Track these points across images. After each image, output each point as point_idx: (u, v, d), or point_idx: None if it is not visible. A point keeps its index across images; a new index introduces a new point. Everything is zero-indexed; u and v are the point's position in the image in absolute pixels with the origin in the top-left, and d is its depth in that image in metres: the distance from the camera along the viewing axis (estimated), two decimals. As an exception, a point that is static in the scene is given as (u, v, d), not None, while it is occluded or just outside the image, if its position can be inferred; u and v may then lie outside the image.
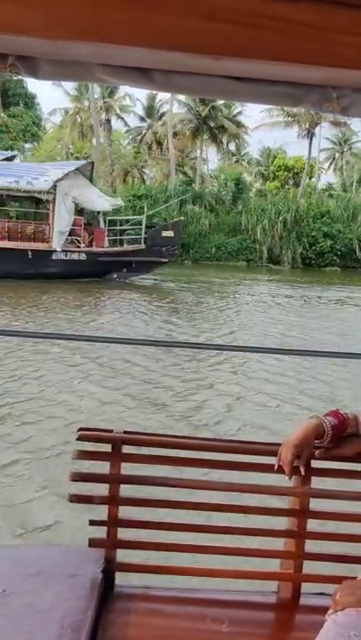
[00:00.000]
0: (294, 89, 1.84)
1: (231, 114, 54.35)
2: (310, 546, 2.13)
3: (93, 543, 2.09)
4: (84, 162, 30.11)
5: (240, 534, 2.14)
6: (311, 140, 53.95)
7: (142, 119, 59.18)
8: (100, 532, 2.09)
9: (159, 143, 57.14)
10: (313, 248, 42.21)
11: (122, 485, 2.06)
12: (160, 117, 58.83)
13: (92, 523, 2.09)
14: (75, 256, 25.04)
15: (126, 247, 26.69)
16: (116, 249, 26.63)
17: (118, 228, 28.38)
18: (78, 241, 25.70)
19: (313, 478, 2.05)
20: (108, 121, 54.66)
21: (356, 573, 1.84)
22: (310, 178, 52.68)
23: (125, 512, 2.09)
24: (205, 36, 1.52)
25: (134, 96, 55.24)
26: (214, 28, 1.53)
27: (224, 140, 56.16)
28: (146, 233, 26.53)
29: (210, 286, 27.82)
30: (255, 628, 2.01)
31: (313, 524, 2.12)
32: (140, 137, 58.03)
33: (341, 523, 2.16)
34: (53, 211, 24.57)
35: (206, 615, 1.97)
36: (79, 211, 26.18)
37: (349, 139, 57.22)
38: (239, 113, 55.07)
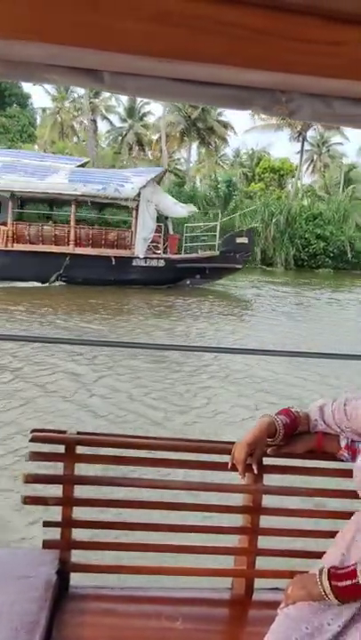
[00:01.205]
0: (243, 92, 1.86)
1: (220, 115, 54.46)
2: (264, 542, 2.16)
3: (47, 544, 2.08)
4: (160, 169, 30.32)
5: (194, 532, 2.16)
6: (303, 142, 54.48)
7: (123, 120, 58.68)
8: (56, 534, 2.08)
9: (140, 144, 56.77)
10: (306, 250, 42.15)
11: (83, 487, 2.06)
12: (141, 118, 58.53)
13: (46, 524, 2.09)
14: (154, 262, 24.98)
15: (202, 254, 26.61)
16: (192, 255, 26.62)
17: (190, 234, 28.59)
18: (156, 247, 25.71)
19: (265, 476, 2.08)
20: (94, 121, 53.98)
21: (308, 567, 1.88)
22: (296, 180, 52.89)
23: (83, 513, 2.09)
24: (153, 38, 1.53)
25: (119, 96, 54.60)
26: (162, 31, 1.54)
27: (212, 142, 56.14)
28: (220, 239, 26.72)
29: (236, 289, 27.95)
30: (209, 625, 2.03)
31: (266, 521, 2.16)
32: (120, 138, 57.52)
33: (294, 518, 2.19)
34: (136, 217, 24.57)
35: (161, 613, 1.98)
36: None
37: (327, 141, 57.83)
38: (220, 114, 55.06)
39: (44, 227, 25.25)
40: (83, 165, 28.17)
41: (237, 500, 2.19)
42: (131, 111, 57.67)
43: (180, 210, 26.70)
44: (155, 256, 25.14)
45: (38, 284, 23.13)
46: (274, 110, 1.91)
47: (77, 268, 23.58)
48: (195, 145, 55.48)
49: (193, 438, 2.26)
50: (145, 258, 24.56)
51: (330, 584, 1.67)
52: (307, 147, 56.96)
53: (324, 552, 1.88)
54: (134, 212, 24.56)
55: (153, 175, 25.80)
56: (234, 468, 1.98)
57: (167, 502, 2.13)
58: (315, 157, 56.17)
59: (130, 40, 1.48)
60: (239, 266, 26.57)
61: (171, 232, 27.12)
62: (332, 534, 1.95)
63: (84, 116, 53.64)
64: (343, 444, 2.01)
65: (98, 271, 23.58)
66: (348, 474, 1.91)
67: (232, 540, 2.22)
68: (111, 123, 59.10)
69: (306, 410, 2.06)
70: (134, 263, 24.50)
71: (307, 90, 1.86)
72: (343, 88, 1.82)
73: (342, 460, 2.02)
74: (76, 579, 2.12)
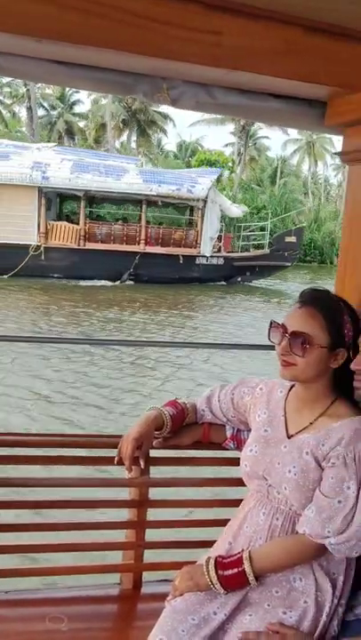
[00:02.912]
0: (126, 77, 1.83)
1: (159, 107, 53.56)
2: (153, 535, 2.15)
3: None
4: (218, 170, 31.12)
5: (81, 529, 2.11)
6: (247, 136, 54.63)
7: (52, 107, 56.12)
8: None
9: (70, 132, 54.71)
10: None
11: None
12: (71, 106, 56.47)
13: None
14: (214, 261, 25.76)
15: (254, 252, 27.63)
16: (248, 254, 27.69)
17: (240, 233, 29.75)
18: (213, 246, 26.35)
19: (152, 468, 2.06)
20: (30, 109, 51.15)
21: (195, 557, 1.88)
22: (231, 173, 52.61)
23: None
24: (29, 17, 1.46)
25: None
26: (39, 10, 1.48)
27: (152, 134, 55.24)
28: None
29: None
30: (97, 623, 1.99)
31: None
32: (50, 125, 55.07)
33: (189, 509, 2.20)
34: (202, 217, 25.27)
35: (45, 615, 1.92)
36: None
37: (254, 134, 58.40)
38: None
39: (115, 226, 25.79)
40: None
41: (124, 495, 2.16)
42: (61, 99, 55.75)
43: (235, 210, 27.79)
44: (216, 255, 26.11)
45: (108, 283, 23.51)
46: (155, 97, 1.89)
47: (146, 266, 23.90)
48: (133, 136, 54.57)
49: (82, 434, 2.21)
50: (209, 256, 25.54)
51: (216, 573, 1.69)
52: (234, 139, 57.75)
53: (214, 541, 1.89)
54: (200, 212, 25.46)
55: (215, 176, 27.26)
56: (121, 463, 1.94)
57: (54, 501, 2.06)
58: (242, 150, 56.82)
59: (5, 18, 1.42)
60: (288, 264, 27.69)
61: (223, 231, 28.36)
62: (221, 523, 1.96)
63: (17, 104, 51.04)
64: (229, 434, 2.03)
65: (164, 269, 24.00)
66: (234, 462, 1.93)
67: (122, 536, 2.19)
68: (48, 111, 56.83)
69: (193, 400, 2.06)
70: (197, 261, 25.45)
71: (189, 78, 1.85)
72: (225, 77, 1.82)
73: (228, 449, 2.04)
74: None
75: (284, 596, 1.68)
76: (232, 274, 26.67)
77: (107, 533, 2.18)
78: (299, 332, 1.68)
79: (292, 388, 1.86)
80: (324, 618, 1.67)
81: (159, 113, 53.89)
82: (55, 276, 23.59)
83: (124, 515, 2.16)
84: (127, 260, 24.12)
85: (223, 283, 26.22)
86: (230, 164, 50.06)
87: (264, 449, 1.80)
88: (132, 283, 24.19)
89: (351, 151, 2.06)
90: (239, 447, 1.97)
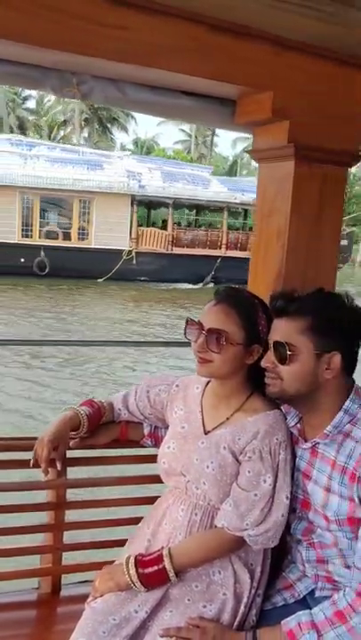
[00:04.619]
0: (34, 71, 1.78)
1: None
2: (72, 537, 2.12)
3: None
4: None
5: None
6: (213, 133, 53.85)
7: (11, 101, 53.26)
8: None
9: (22, 128, 52.11)
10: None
11: None
12: (24, 100, 53.81)
13: None
14: None
15: None
16: None
17: None
18: None
19: (69, 469, 2.03)
20: None
21: (116, 557, 1.87)
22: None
23: None
24: None
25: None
26: None
27: (113, 131, 53.70)
28: None
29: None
30: (15, 630, 1.95)
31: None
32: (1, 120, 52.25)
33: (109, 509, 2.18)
34: None
35: None
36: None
37: (204, 132, 57.67)
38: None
39: (199, 231, 27.68)
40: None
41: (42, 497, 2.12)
42: (17, 94, 53.26)
43: None
44: None
45: (190, 286, 24.27)
46: (65, 92, 1.85)
47: (226, 269, 24.34)
48: (86, 133, 52.95)
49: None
50: None
51: (137, 572, 1.68)
52: (185, 137, 57.27)
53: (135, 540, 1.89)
54: None
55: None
56: (37, 466, 1.90)
57: None
58: (191, 147, 56.34)
59: None
60: (341, 265, 28.39)
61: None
62: (140, 521, 1.96)
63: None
64: (146, 431, 2.03)
65: (241, 272, 23.71)
66: (152, 460, 1.93)
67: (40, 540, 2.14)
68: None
69: (110, 399, 2.04)
70: None
71: (98, 73, 1.83)
72: (134, 73, 1.81)
73: (146, 447, 2.04)
74: None
75: (204, 590, 1.70)
76: None
77: (24, 538, 2.13)
78: (215, 329, 1.69)
79: (208, 384, 1.88)
80: (242, 608, 1.70)
81: (122, 110, 53.05)
82: (142, 279, 24.69)
83: (44, 518, 2.12)
84: (209, 263, 25.44)
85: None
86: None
87: (182, 445, 1.81)
88: (212, 285, 24.72)
89: (260, 149, 2.09)
90: (157, 444, 1.98)
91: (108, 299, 21.11)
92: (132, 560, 1.71)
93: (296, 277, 1.96)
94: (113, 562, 1.83)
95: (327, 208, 2.02)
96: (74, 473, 2.07)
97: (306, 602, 1.76)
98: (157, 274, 24.58)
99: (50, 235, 24.50)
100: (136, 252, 24.90)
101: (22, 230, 23.89)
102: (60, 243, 24.28)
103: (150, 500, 1.99)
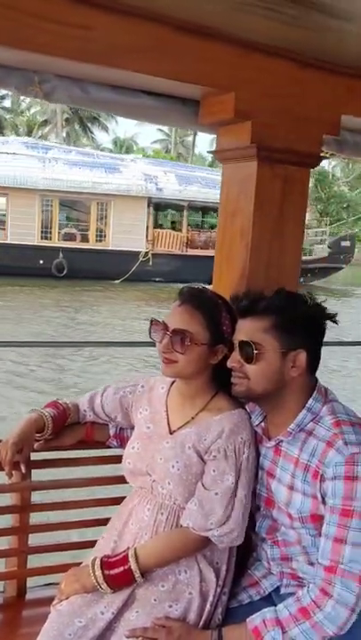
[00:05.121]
0: None
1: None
2: (38, 539, 2.10)
3: None
4: None
5: None
6: (196, 134, 53.31)
7: None
8: None
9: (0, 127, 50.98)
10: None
11: None
12: (1, 99, 52.59)
13: None
14: None
15: (318, 255, 29.43)
16: (314, 257, 29.21)
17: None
18: None
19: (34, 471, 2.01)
20: None
21: (82, 559, 1.87)
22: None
23: None
24: None
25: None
26: None
27: (93, 131, 52.94)
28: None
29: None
30: None
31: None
32: None
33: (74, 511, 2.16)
34: None
35: None
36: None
37: (182, 131, 57.16)
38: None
39: (212, 233, 26.82)
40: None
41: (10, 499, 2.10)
42: None
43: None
44: None
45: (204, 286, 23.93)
46: (28, 91, 1.84)
47: None
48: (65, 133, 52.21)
49: None
50: None
51: (102, 573, 1.68)
52: (163, 136, 56.87)
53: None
54: None
55: None
56: (0, 468, 1.88)
57: None
58: (169, 147, 55.94)
59: None
60: (344, 266, 30.12)
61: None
62: (105, 522, 1.95)
63: None
64: (112, 432, 2.02)
65: None
66: (118, 460, 1.92)
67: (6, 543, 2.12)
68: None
69: (76, 401, 2.03)
70: None
71: (61, 72, 1.82)
72: (97, 73, 1.80)
73: (112, 448, 2.03)
74: None
75: (170, 590, 1.70)
76: (300, 275, 28.69)
77: None
78: (179, 329, 1.70)
79: (173, 384, 1.88)
80: (208, 607, 1.71)
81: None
82: (157, 280, 24.84)
83: (9, 520, 2.09)
84: None
85: (293, 284, 28.81)
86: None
87: (146, 445, 1.81)
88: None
89: (224, 150, 2.11)
90: (123, 445, 1.97)
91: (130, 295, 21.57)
92: (97, 561, 1.71)
93: (259, 276, 1.98)
94: (80, 564, 1.83)
95: (290, 208, 2.04)
96: (41, 475, 2.06)
97: (271, 599, 1.77)
98: (173, 275, 24.53)
99: (68, 237, 24.98)
100: (152, 254, 25.40)
101: (41, 232, 24.38)
102: (77, 244, 24.83)
103: (117, 501, 1.98)
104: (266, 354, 1.63)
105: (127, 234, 24.85)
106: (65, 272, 23.56)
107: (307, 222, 31.33)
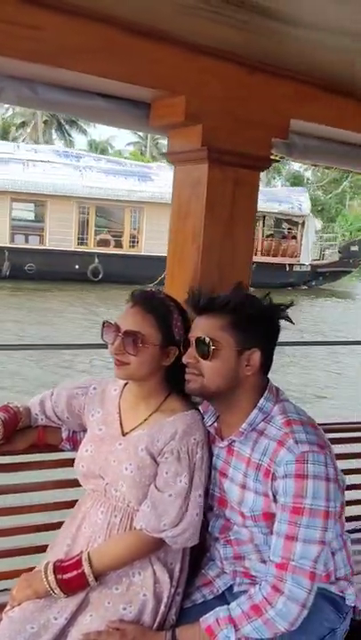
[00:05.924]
0: None
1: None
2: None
3: None
4: (304, 189, 34.17)
5: None
6: (149, 136, 52.33)
7: None
8: None
9: None
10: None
11: None
12: None
13: None
14: (305, 268, 28.92)
15: (330, 260, 30.96)
16: (326, 261, 30.88)
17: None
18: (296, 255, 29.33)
19: None
20: None
21: (34, 564, 1.84)
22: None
23: None
24: None
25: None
26: None
27: (71, 134, 51.83)
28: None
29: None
30: None
31: None
32: None
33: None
34: (305, 230, 28.71)
35: None
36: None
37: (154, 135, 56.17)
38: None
39: None
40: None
41: None
42: None
43: (316, 222, 31.53)
44: (308, 262, 29.42)
45: None
46: None
47: (257, 273, 23.89)
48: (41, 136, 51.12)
49: None
50: (301, 264, 28.83)
51: (55, 578, 1.66)
52: (137, 139, 56.24)
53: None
54: (299, 226, 29.12)
55: (306, 194, 30.83)
56: None
57: None
58: (143, 149, 55.28)
59: None
60: (354, 269, 31.21)
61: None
62: (58, 526, 1.93)
63: None
64: (65, 435, 2.00)
65: (270, 276, 24.69)
66: (71, 464, 1.91)
67: None
68: None
69: (27, 404, 2.00)
70: (295, 269, 28.70)
71: (9, 72, 1.80)
72: (47, 74, 1.79)
73: (65, 451, 2.02)
74: None
75: (124, 592, 1.70)
76: (311, 279, 30.03)
77: None
78: (131, 331, 1.70)
79: (125, 385, 1.88)
80: (162, 608, 1.71)
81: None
82: None
83: None
84: None
85: (305, 287, 29.43)
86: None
87: (99, 447, 1.81)
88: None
89: (175, 152, 2.11)
90: (75, 448, 1.96)
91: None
92: (50, 566, 1.69)
93: (211, 278, 1.99)
94: (32, 569, 1.80)
95: (240, 210, 2.06)
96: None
97: (225, 597, 1.79)
98: None
99: (102, 243, 25.66)
100: None
101: (78, 238, 25.02)
102: (112, 250, 25.50)
103: (70, 505, 1.96)
104: (222, 351, 1.65)
105: (159, 239, 24.99)
106: (100, 276, 24.38)
107: (317, 228, 32.45)
